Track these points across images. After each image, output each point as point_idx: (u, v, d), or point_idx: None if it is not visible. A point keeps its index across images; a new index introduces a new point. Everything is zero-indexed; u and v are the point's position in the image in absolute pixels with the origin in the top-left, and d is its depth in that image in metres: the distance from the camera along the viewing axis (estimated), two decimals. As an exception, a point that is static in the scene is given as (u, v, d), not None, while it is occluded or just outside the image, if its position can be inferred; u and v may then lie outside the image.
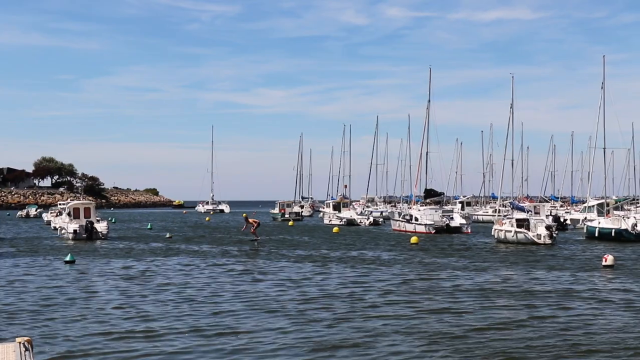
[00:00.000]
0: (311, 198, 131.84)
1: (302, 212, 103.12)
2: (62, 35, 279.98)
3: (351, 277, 27.21)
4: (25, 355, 7.17)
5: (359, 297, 21.56)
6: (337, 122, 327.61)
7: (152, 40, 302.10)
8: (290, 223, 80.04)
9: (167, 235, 53.06)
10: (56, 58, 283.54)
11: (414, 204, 68.04)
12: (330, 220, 79.04)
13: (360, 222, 76.07)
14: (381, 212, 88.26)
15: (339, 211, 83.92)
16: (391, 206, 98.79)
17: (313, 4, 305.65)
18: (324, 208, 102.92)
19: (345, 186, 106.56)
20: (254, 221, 47.67)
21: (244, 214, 52.47)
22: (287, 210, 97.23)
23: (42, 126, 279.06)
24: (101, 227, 50.31)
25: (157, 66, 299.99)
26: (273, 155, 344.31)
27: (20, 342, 7.54)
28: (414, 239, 47.05)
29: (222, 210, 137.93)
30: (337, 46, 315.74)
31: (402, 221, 62.46)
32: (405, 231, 59.30)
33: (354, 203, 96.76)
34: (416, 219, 59.94)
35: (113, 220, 77.25)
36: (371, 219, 77.30)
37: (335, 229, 62.99)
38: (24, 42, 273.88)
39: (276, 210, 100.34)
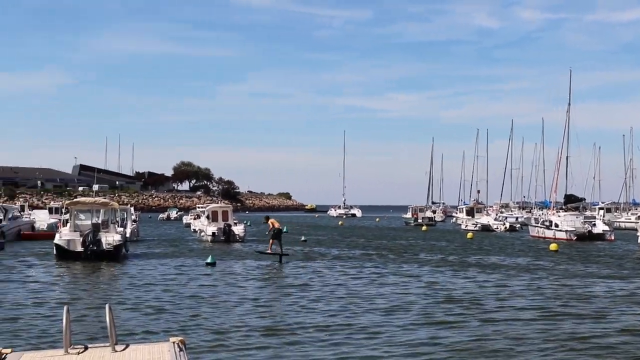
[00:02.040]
0: (442, 203, 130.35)
1: (434, 217, 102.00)
2: (197, 43, 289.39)
3: (491, 282, 26.59)
4: (179, 355, 7.16)
5: (497, 302, 20.97)
6: (468, 126, 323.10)
7: (283, 47, 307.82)
8: (424, 228, 79.24)
9: (302, 239, 53.55)
10: (192, 65, 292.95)
11: (553, 210, 65.94)
12: (467, 226, 77.96)
13: (496, 227, 74.53)
14: (516, 218, 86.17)
15: (472, 216, 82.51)
16: (526, 212, 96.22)
17: (443, 8, 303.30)
18: (456, 213, 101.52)
19: (479, 191, 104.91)
20: (272, 222, 35.40)
21: (266, 216, 39.96)
22: (420, 215, 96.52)
23: (180, 132, 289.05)
24: (238, 230, 51.34)
25: (289, 72, 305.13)
26: (403, 160, 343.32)
27: (174, 342, 7.57)
28: (553, 246, 45.52)
29: (354, 215, 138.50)
30: (469, 50, 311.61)
31: (541, 227, 60.66)
32: (545, 237, 57.51)
33: (487, 208, 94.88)
34: (556, 225, 58.03)
35: (249, 224, 78.71)
36: (507, 224, 75.63)
37: (469, 235, 61.87)
38: (161, 50, 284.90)
39: (409, 215, 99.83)
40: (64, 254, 34.23)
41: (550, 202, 74.18)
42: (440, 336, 15.83)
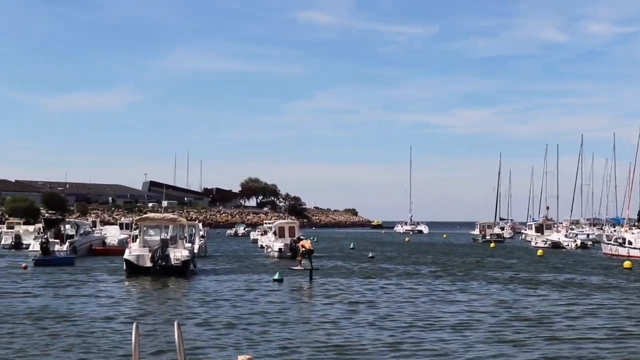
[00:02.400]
0: (511, 219, 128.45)
1: (502, 233, 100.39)
2: (263, 60, 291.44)
3: (562, 300, 26.03)
4: None
5: (569, 321, 20.50)
6: (536, 141, 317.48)
7: (349, 63, 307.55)
8: (492, 245, 77.99)
9: (370, 255, 53.32)
10: (258, 82, 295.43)
11: (626, 227, 64.27)
12: (536, 243, 76.74)
13: (567, 244, 73.04)
14: (587, 235, 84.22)
15: (542, 233, 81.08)
16: (597, 229, 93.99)
17: (510, 23, 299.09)
18: (525, 230, 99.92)
19: (548, 207, 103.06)
20: (302, 244, 36.36)
21: (297, 238, 40.60)
22: (488, 231, 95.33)
23: (247, 148, 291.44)
24: (305, 246, 51.28)
25: (354, 88, 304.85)
26: (470, 176, 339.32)
27: None
28: (627, 264, 44.33)
29: (420, 231, 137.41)
30: (536, 64, 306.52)
31: (614, 244, 59.14)
32: (618, 255, 55.99)
33: (557, 225, 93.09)
34: (630, 243, 56.49)
35: (315, 240, 78.78)
36: (578, 241, 74.06)
37: (539, 252, 60.68)
38: (227, 68, 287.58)
39: (476, 232, 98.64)
40: (134, 269, 34.73)
41: (623, 219, 72.42)
42: (510, 354, 15.53)
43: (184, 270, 34.44)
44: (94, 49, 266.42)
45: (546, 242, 74.78)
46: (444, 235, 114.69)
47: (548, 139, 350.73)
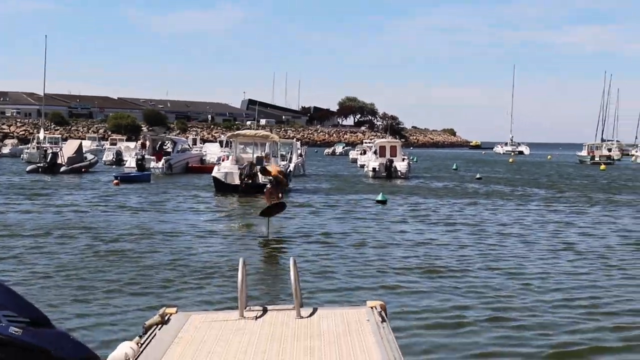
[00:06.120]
0: (617, 141, 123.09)
1: (612, 155, 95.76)
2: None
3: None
4: (381, 326, 5.43)
5: None
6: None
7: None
8: (602, 167, 74.31)
9: (477, 177, 50.99)
10: (363, 1, 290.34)
11: None
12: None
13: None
14: None
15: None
16: None
17: None
18: (636, 151, 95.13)
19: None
20: (278, 171, 24.61)
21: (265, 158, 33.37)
22: (597, 152, 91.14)
23: (347, 68, 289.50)
24: (401, 165, 49.01)
25: (463, 6, 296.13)
26: (576, 96, 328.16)
27: (373, 307, 5.79)
28: None
29: (521, 152, 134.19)
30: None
31: None
32: None
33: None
34: None
35: (415, 160, 76.49)
36: None
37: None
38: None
39: (584, 153, 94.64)
40: (222, 187, 33.73)
41: None
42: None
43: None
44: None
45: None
46: (548, 157, 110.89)
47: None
